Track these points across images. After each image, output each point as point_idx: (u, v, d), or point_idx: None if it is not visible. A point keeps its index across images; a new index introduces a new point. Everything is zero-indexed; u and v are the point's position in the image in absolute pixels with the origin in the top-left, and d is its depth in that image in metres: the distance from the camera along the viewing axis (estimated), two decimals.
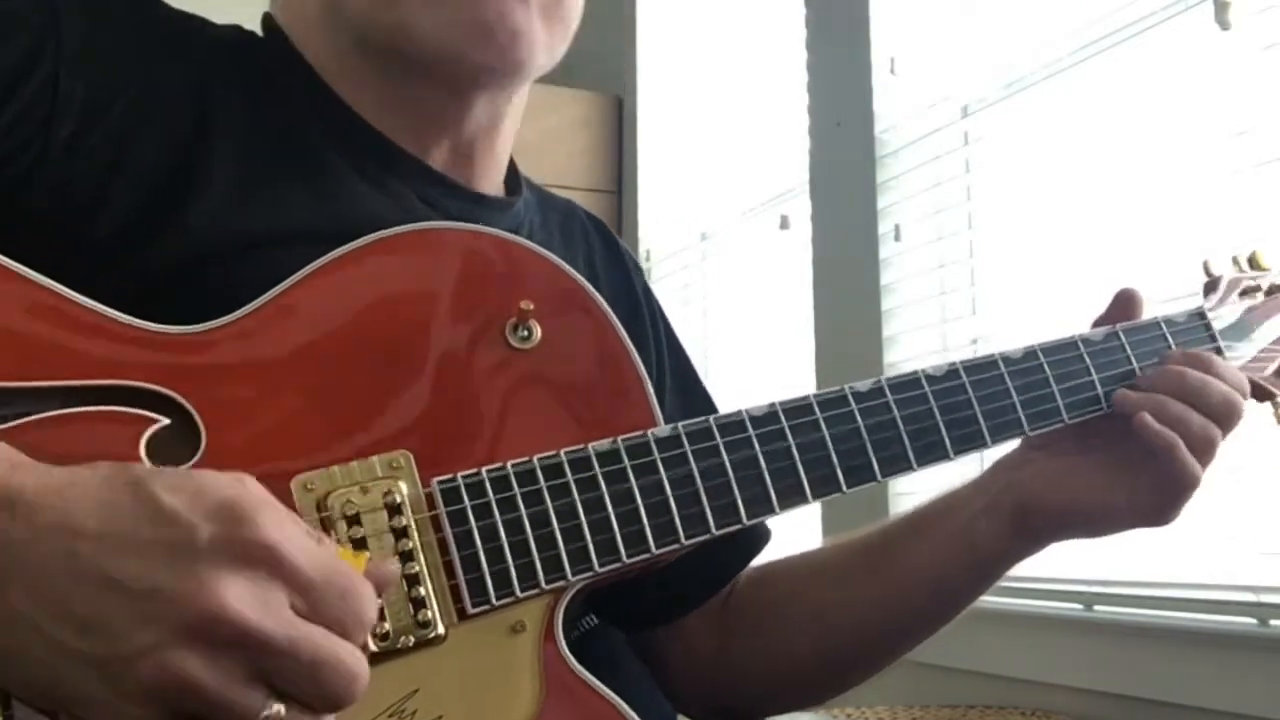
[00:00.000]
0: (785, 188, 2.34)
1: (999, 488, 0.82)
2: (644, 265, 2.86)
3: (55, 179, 0.65)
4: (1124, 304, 0.85)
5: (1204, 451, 0.78)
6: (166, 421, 0.59)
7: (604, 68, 3.11)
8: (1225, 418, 0.78)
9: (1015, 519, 0.82)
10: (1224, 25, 1.43)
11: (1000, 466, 0.85)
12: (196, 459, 0.59)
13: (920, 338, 1.93)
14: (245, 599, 0.47)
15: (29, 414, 0.57)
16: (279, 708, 0.48)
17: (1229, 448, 1.36)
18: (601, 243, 0.95)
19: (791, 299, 2.24)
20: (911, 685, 1.80)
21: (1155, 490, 0.79)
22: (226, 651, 0.47)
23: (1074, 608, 1.57)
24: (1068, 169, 1.68)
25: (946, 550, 0.84)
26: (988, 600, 1.71)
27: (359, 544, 0.59)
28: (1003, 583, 1.70)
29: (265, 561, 0.48)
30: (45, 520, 0.47)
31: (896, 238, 1.98)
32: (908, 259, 1.98)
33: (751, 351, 2.42)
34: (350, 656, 0.50)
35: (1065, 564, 1.61)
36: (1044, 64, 1.72)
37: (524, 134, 0.86)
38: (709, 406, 0.93)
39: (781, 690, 0.92)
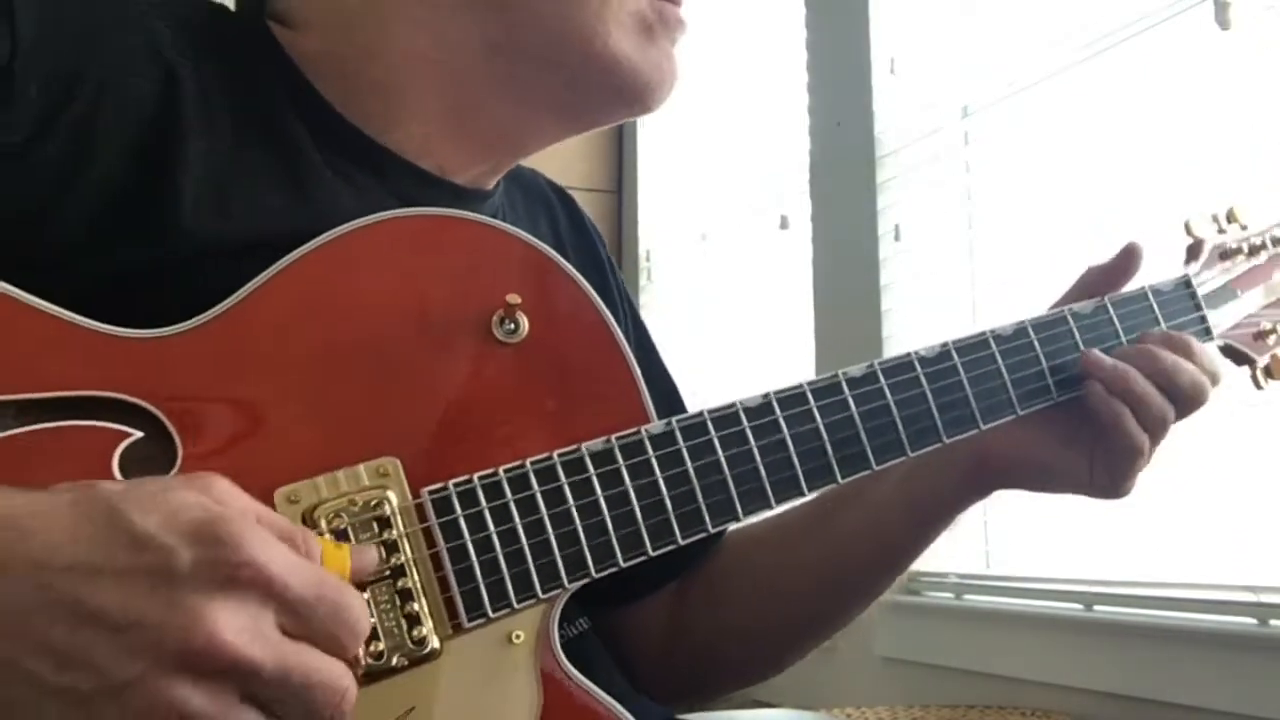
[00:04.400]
0: (785, 188, 2.34)
1: None
2: (644, 265, 2.86)
3: (8, 184, 0.61)
4: (1126, 258, 0.83)
5: (1156, 429, 0.77)
6: (140, 435, 0.56)
7: None
8: (1188, 401, 0.77)
9: (967, 466, 0.80)
10: (1224, 25, 1.43)
11: None
12: (173, 472, 0.57)
13: (920, 338, 1.92)
14: (235, 626, 0.46)
15: None
16: None
17: (1230, 448, 1.37)
18: (565, 212, 0.92)
19: (791, 299, 2.24)
20: (911, 685, 1.80)
21: (1107, 462, 0.78)
22: (217, 679, 0.46)
23: (1074, 608, 1.57)
24: (1068, 169, 1.68)
25: (885, 502, 0.83)
26: (988, 600, 1.72)
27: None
28: (1003, 582, 1.72)
29: (252, 583, 0.46)
30: (12, 553, 0.45)
31: (896, 238, 1.98)
32: (908, 259, 1.97)
33: (751, 352, 2.41)
34: (341, 677, 0.49)
35: (1065, 564, 1.62)
36: (1044, 64, 1.72)
37: None
38: (669, 387, 0.92)
39: (736, 660, 0.90)
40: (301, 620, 0.48)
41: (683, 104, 2.84)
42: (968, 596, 1.78)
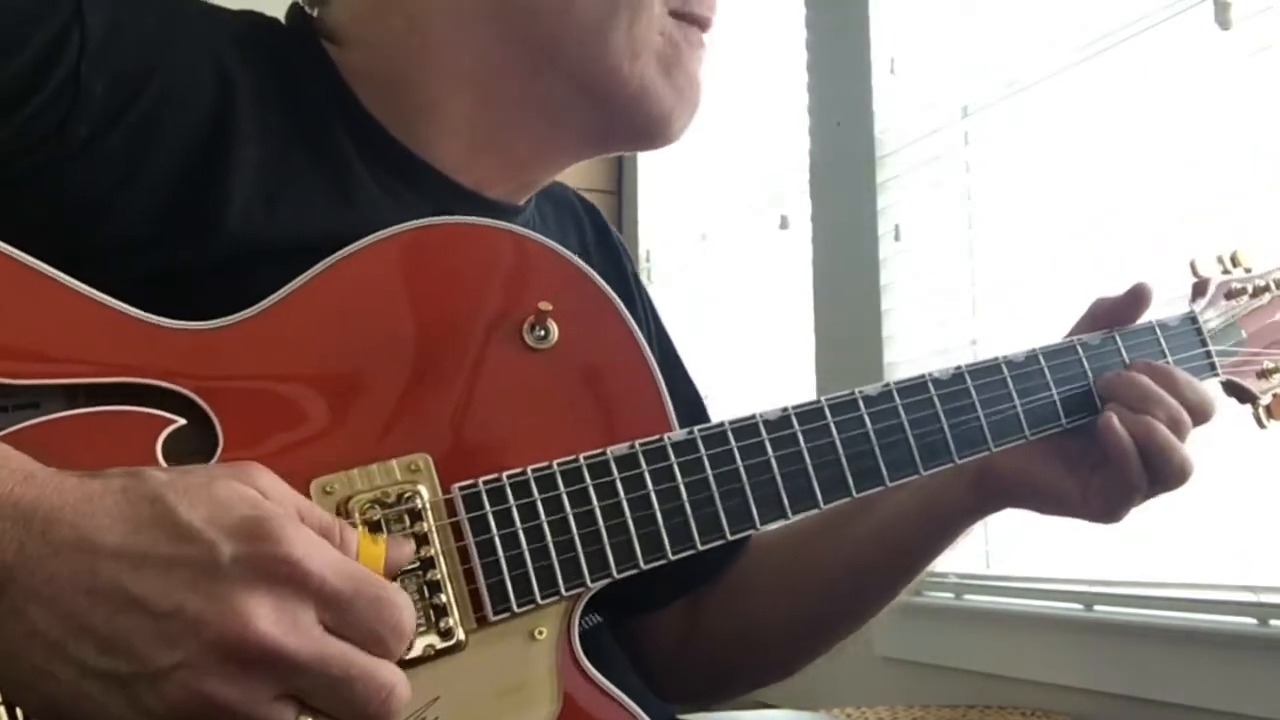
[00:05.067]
0: (785, 188, 2.34)
1: None
2: (644, 265, 2.86)
3: (70, 177, 0.64)
4: (1135, 298, 0.84)
5: (1161, 480, 0.79)
6: (182, 422, 0.59)
7: None
8: (1177, 432, 0.79)
9: (975, 476, 0.83)
10: (1224, 25, 1.43)
11: None
12: (214, 460, 0.59)
13: (920, 338, 1.93)
14: (271, 618, 0.47)
15: (43, 412, 0.56)
16: None
17: (1230, 448, 1.37)
18: (593, 227, 0.95)
19: (791, 299, 2.25)
20: (911, 685, 1.80)
21: (1104, 491, 0.79)
22: (253, 671, 0.47)
23: (1074, 608, 1.57)
24: (1067, 169, 1.69)
25: (904, 506, 0.85)
26: (988, 600, 1.72)
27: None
28: (1003, 582, 1.72)
29: (290, 578, 0.48)
30: (62, 536, 0.47)
31: (896, 238, 1.98)
32: (908, 259, 1.98)
33: (751, 352, 2.42)
34: (384, 671, 0.50)
35: (1065, 564, 1.62)
36: (1044, 64, 1.72)
37: None
38: (694, 397, 0.94)
39: (751, 661, 0.93)
40: (341, 616, 0.49)
41: None
42: (968, 596, 1.78)
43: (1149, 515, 1.48)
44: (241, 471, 0.51)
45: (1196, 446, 0.80)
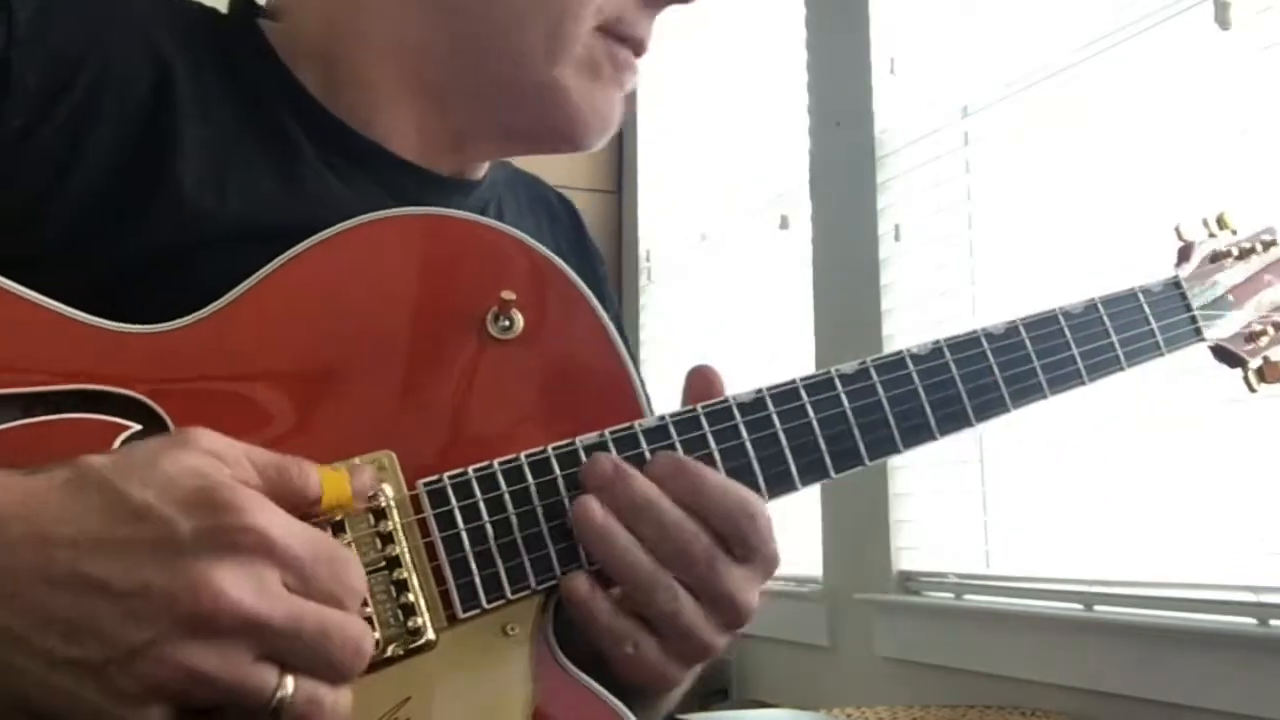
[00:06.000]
0: (785, 188, 2.34)
1: None
2: (644, 265, 2.86)
3: (6, 172, 0.61)
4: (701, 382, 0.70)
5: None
6: (138, 428, 0.57)
7: None
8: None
9: None
10: (1224, 25, 1.43)
11: None
12: None
13: (920, 337, 1.93)
14: (240, 584, 0.46)
15: None
16: (291, 682, 0.48)
17: (1229, 448, 1.37)
18: (569, 225, 0.93)
19: (791, 299, 2.25)
20: (911, 685, 1.80)
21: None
22: (230, 638, 0.47)
23: (1074, 608, 1.57)
24: (1067, 169, 1.69)
25: None
26: (988, 600, 1.72)
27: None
28: (1003, 582, 1.72)
29: (256, 546, 0.48)
30: (13, 532, 0.46)
31: (896, 238, 1.98)
32: (908, 259, 1.98)
33: (751, 352, 2.42)
34: (352, 624, 0.50)
35: (1065, 564, 1.62)
36: (1044, 64, 1.72)
37: None
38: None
39: None
40: (305, 579, 0.49)
41: (682, 104, 2.84)
42: (968, 596, 1.78)
43: (1149, 515, 1.49)
44: (184, 438, 0.50)
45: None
